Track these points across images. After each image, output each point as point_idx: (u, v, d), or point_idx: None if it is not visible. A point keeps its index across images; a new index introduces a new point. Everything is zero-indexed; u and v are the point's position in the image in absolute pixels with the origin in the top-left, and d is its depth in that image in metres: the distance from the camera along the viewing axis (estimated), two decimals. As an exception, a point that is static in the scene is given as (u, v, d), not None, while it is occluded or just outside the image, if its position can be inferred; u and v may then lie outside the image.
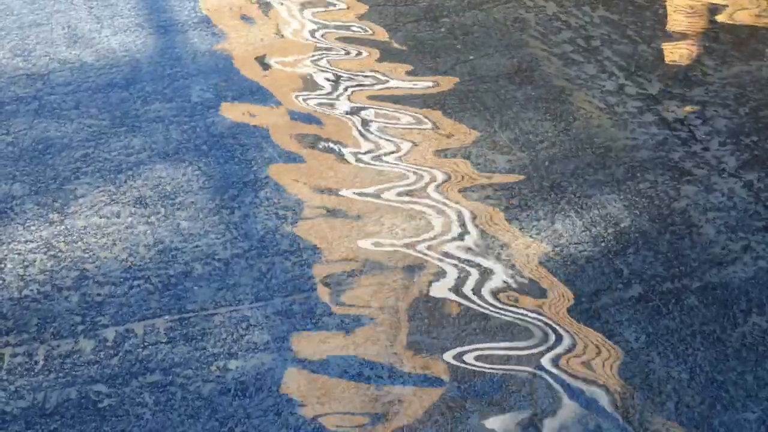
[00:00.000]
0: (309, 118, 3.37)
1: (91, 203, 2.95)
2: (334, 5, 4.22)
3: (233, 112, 3.42)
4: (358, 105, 3.43)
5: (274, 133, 3.29)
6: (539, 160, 3.14)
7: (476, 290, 2.59)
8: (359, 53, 3.80)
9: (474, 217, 2.86)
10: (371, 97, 3.49)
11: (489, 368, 2.35)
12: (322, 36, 3.95)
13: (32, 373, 2.36)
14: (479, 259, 2.71)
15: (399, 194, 2.98)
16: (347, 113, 3.38)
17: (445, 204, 2.93)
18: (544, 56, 3.77)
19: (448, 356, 2.39)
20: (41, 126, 3.34)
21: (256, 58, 3.77)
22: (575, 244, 2.76)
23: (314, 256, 2.72)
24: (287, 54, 3.80)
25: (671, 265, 2.68)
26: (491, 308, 2.54)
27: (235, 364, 2.38)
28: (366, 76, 3.63)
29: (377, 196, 2.97)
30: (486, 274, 2.65)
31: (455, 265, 2.68)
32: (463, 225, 2.84)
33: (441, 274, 2.65)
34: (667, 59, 3.69)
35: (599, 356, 2.39)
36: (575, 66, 3.69)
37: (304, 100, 3.48)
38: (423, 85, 3.57)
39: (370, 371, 2.35)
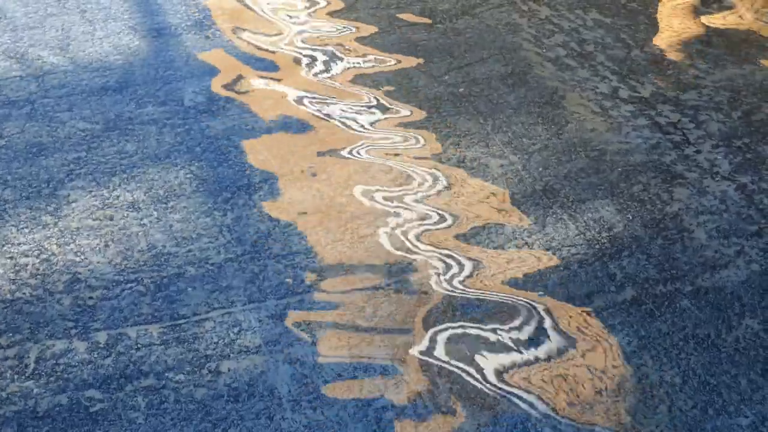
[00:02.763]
0: (303, 123, 3.37)
1: (83, 206, 2.94)
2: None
3: (227, 113, 3.41)
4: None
5: (268, 135, 3.29)
6: (532, 164, 3.14)
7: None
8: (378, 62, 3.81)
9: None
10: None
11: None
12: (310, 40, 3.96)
13: (23, 377, 2.35)
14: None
15: (392, 197, 2.98)
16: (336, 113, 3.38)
17: (439, 207, 2.93)
18: (537, 60, 3.78)
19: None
20: (34, 129, 3.33)
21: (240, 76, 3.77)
22: (568, 247, 2.77)
23: (307, 259, 2.72)
24: (287, 56, 3.80)
25: (664, 269, 2.68)
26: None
27: (227, 366, 2.37)
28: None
29: (372, 197, 2.97)
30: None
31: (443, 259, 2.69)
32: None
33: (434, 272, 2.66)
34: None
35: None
36: (569, 70, 3.70)
37: (298, 104, 3.48)
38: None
39: (363, 374, 2.35)
